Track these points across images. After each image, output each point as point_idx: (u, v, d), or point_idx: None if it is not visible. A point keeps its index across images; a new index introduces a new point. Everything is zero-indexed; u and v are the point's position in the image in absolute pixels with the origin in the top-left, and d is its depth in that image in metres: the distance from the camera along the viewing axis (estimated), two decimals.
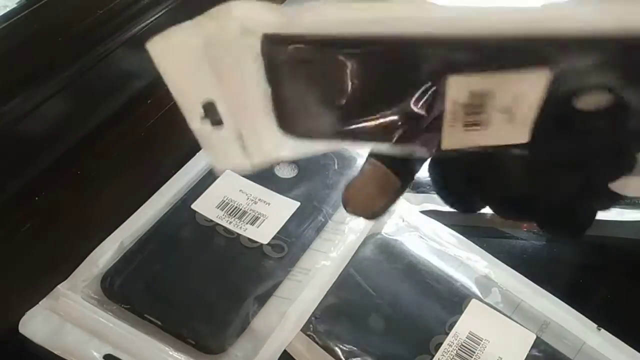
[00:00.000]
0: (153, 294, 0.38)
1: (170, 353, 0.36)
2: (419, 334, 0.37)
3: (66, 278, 0.39)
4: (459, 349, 0.37)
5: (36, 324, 0.37)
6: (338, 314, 0.38)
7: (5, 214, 0.42)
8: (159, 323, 0.37)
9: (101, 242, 0.41)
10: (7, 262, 0.40)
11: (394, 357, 0.36)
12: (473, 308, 0.39)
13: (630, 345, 0.38)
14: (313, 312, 0.38)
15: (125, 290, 0.39)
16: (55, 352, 0.36)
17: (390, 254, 0.42)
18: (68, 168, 0.46)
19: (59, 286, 0.38)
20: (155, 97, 0.52)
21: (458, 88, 0.18)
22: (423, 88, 0.19)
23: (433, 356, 0.36)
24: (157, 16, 0.52)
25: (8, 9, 0.42)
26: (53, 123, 0.47)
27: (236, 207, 0.44)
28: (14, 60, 0.43)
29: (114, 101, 0.51)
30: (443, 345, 0.37)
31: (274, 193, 0.45)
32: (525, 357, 0.37)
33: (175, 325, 0.37)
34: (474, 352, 0.37)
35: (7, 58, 0.43)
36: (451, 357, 0.36)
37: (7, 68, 0.42)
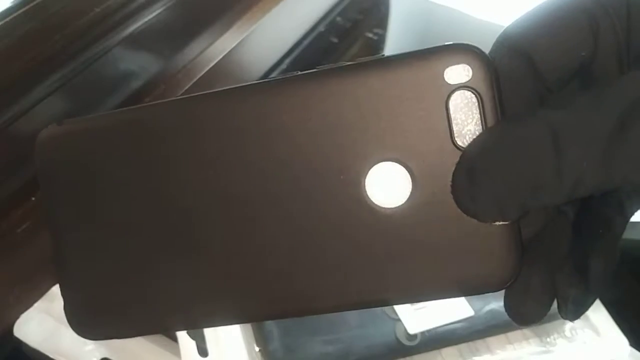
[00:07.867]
0: None
1: (169, 356, 0.36)
2: None
3: None
4: None
5: (31, 327, 0.36)
6: None
7: (0, 214, 0.42)
8: None
9: None
10: (2, 263, 0.40)
11: None
12: None
13: (632, 346, 0.38)
14: None
15: None
16: (51, 356, 0.35)
17: None
18: None
19: (53, 288, 0.38)
20: (152, 96, 0.51)
21: None
22: None
23: None
24: (154, 14, 0.51)
25: (4, 8, 0.42)
26: (49, 122, 0.46)
27: None
28: (9, 59, 0.43)
29: (111, 100, 0.51)
30: None
31: None
32: None
33: None
34: None
35: (3, 57, 0.42)
36: None
37: (2, 67, 0.42)
